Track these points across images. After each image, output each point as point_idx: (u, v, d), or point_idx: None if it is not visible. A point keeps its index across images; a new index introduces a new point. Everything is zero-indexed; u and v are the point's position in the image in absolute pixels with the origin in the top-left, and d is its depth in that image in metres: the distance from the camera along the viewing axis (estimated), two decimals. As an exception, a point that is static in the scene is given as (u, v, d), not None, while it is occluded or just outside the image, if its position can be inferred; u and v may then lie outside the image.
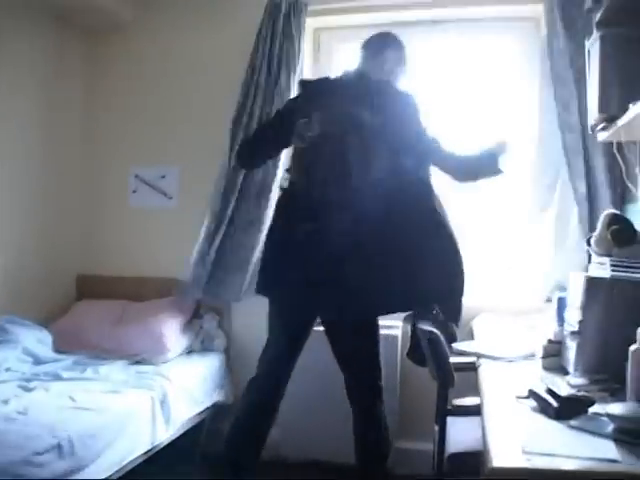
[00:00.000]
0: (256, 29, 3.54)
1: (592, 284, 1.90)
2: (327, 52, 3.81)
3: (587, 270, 2.89)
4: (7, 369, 3.01)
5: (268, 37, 3.49)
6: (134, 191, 3.98)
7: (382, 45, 2.79)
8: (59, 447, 2.21)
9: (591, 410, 1.52)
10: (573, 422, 1.46)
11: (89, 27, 4.02)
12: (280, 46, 3.47)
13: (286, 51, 3.46)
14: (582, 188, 3.08)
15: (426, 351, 2.47)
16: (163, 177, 3.89)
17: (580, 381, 1.78)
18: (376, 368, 2.74)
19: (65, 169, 4.01)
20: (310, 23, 3.59)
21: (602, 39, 2.33)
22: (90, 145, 4.12)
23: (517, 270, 3.51)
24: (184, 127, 3.86)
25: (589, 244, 2.20)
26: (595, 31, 2.38)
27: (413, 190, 2.61)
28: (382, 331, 3.31)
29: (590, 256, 3.01)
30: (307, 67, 3.64)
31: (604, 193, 3.05)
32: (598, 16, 2.37)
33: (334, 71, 3.69)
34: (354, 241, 2.48)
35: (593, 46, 2.41)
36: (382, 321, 3.38)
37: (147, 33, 3.99)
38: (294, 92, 3.42)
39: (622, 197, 2.97)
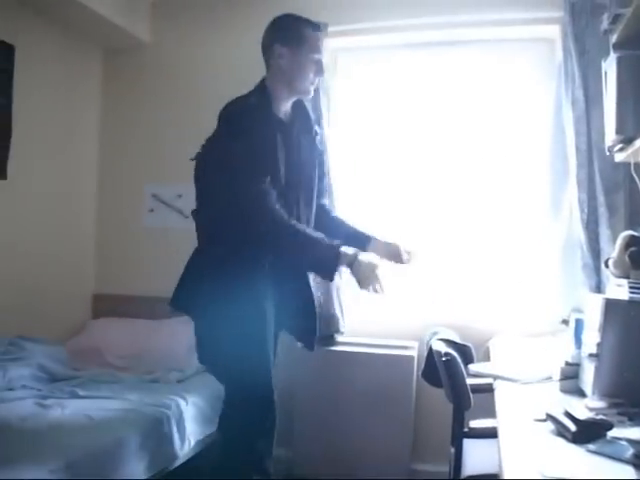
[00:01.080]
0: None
1: (610, 306, 1.88)
2: (345, 72, 3.83)
3: (598, 291, 2.88)
4: (23, 386, 3.03)
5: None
6: (151, 210, 4.01)
7: None
8: (74, 465, 2.21)
9: (610, 434, 1.50)
10: (591, 446, 1.44)
11: (108, 46, 4.10)
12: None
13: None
14: (590, 208, 3.09)
15: (442, 372, 2.46)
16: (180, 196, 3.91)
17: (598, 404, 1.76)
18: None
19: (81, 188, 4.07)
20: (328, 44, 3.59)
21: (619, 60, 2.33)
22: (107, 163, 4.17)
23: (529, 289, 3.49)
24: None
25: (607, 266, 2.19)
26: (612, 52, 2.38)
27: None
28: (397, 352, 3.32)
29: (598, 277, 3.04)
30: (324, 89, 3.60)
31: (620, 214, 3.05)
32: (615, 37, 2.38)
33: (351, 91, 3.75)
34: None
35: (610, 67, 2.41)
36: (398, 341, 3.40)
37: (165, 52, 4.06)
38: (321, 115, 3.47)
39: (638, 218, 2.95)
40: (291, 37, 2.36)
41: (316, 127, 2.59)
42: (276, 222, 2.22)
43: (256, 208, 2.22)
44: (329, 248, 2.22)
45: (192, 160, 2.53)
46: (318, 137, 2.59)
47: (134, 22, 3.91)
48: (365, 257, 2.24)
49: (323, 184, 2.70)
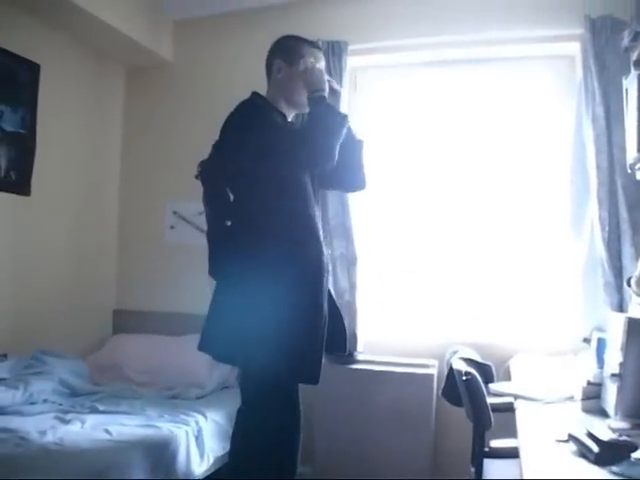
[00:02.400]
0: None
1: (633, 325, 1.86)
2: (364, 91, 3.84)
3: (621, 309, 2.85)
4: (44, 400, 3.06)
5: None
6: (172, 227, 4.04)
7: None
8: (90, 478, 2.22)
9: (634, 456, 1.48)
10: (615, 468, 1.43)
11: (131, 64, 4.17)
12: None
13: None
14: (611, 226, 3.06)
15: (462, 391, 2.44)
16: (201, 213, 3.93)
17: (622, 425, 1.74)
18: None
19: (103, 205, 4.11)
20: (348, 62, 3.58)
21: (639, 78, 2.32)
22: (129, 180, 4.22)
23: (551, 307, 3.46)
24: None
25: (629, 284, 2.17)
26: (632, 70, 2.37)
27: None
28: (417, 370, 3.30)
29: (621, 295, 3.00)
30: (345, 107, 3.59)
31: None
32: (635, 55, 2.37)
33: (371, 110, 3.75)
34: None
35: (631, 85, 2.40)
36: (418, 360, 3.38)
37: (187, 70, 4.11)
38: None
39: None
40: (290, 53, 2.50)
41: None
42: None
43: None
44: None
45: (197, 177, 2.61)
46: None
47: (157, 41, 3.97)
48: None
49: None
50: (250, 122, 2.34)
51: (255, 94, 2.52)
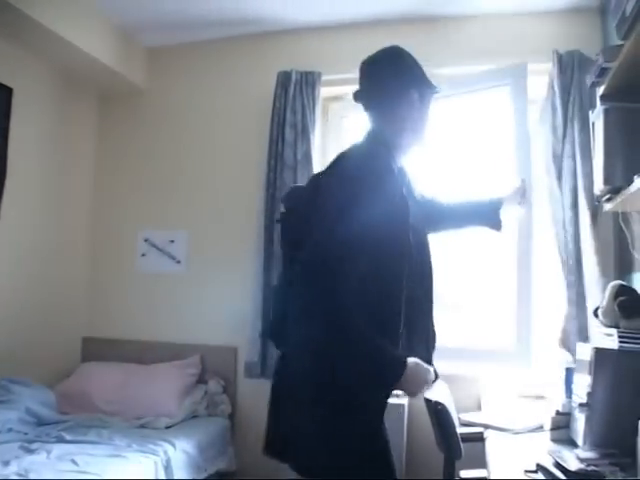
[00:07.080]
0: (269, 96, 3.64)
1: (600, 355, 1.89)
2: (336, 121, 3.87)
3: (589, 340, 2.88)
4: (9, 429, 2.99)
5: (281, 107, 3.59)
6: (143, 254, 4.01)
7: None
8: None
9: (601, 485, 1.49)
10: (582, 498, 1.43)
11: (104, 91, 4.17)
12: (294, 115, 3.56)
13: (301, 120, 3.54)
14: (574, 257, 3.10)
15: (433, 422, 2.44)
16: (172, 241, 3.92)
17: (589, 455, 1.75)
18: None
19: (74, 231, 4.07)
20: (321, 92, 3.63)
21: (606, 112, 2.37)
22: (100, 208, 4.20)
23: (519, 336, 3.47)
24: (194, 191, 3.92)
25: (596, 315, 2.20)
26: (599, 104, 2.43)
27: None
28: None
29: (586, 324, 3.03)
30: (317, 137, 3.61)
31: (607, 263, 3.06)
32: (602, 90, 2.43)
33: (342, 140, 3.77)
34: None
35: (597, 119, 2.46)
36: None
37: (160, 99, 4.12)
38: (312, 162, 3.51)
39: (627, 267, 2.97)
40: (425, 85, 2.04)
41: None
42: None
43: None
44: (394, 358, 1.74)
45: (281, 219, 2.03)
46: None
47: (130, 68, 3.98)
48: (414, 363, 1.76)
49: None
50: (373, 187, 1.72)
51: (377, 137, 1.95)
